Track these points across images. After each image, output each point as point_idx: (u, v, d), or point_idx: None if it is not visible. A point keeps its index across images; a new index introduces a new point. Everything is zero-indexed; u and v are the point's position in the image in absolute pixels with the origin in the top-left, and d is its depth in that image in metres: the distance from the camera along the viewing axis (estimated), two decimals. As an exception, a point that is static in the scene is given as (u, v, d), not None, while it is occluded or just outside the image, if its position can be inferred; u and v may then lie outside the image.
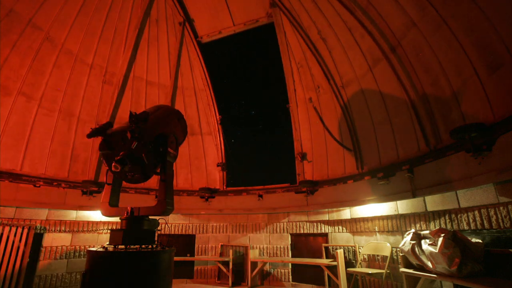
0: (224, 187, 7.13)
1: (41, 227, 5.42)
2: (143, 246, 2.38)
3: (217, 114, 7.40)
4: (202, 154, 7.44)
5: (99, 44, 6.31)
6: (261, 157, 8.61)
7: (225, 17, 6.96)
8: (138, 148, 2.29)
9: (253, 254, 6.26)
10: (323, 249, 5.83)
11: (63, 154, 5.93)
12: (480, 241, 3.32)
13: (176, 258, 5.77)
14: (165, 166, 2.57)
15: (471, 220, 3.63)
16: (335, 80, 5.88)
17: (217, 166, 7.25)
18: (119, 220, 2.61)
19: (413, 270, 3.68)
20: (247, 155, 8.10)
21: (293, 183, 6.60)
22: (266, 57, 8.89)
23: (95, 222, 6.13)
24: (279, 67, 6.74)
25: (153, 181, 6.75)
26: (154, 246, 2.47)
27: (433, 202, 4.17)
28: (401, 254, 4.00)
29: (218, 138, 7.38)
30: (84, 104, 6.27)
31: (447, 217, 3.95)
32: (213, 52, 7.66)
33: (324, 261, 5.43)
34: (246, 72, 9.36)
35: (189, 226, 7.00)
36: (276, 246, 6.55)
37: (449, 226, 3.89)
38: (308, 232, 6.26)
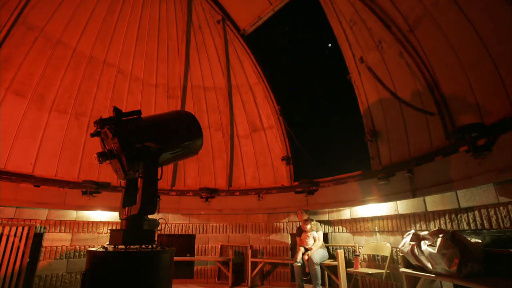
0: (292, 182, 6.60)
1: (41, 227, 5.42)
2: (143, 246, 2.39)
3: (276, 105, 6.99)
4: (267, 150, 7.17)
5: (158, 64, 7.06)
6: (329, 143, 7.73)
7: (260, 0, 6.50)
8: (116, 144, 2.43)
9: (253, 254, 6.26)
10: (323, 249, 5.82)
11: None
12: (479, 241, 3.32)
13: (176, 258, 5.75)
14: (144, 163, 2.51)
15: (471, 220, 3.64)
16: (398, 24, 4.43)
17: (282, 160, 6.84)
18: (119, 220, 2.61)
19: (413, 270, 3.68)
20: (315, 143, 7.33)
21: (368, 169, 5.35)
22: (313, 28, 8.08)
23: (95, 222, 6.12)
24: (331, 34, 5.62)
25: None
26: (154, 246, 2.47)
27: (433, 202, 4.17)
28: (401, 254, 4.00)
29: (281, 130, 6.96)
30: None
31: (447, 217, 3.95)
32: (260, 42, 7.38)
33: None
34: (297, 52, 8.44)
35: (189, 226, 7.00)
36: (276, 246, 6.55)
37: (449, 226, 3.89)
38: (308, 232, 6.25)
